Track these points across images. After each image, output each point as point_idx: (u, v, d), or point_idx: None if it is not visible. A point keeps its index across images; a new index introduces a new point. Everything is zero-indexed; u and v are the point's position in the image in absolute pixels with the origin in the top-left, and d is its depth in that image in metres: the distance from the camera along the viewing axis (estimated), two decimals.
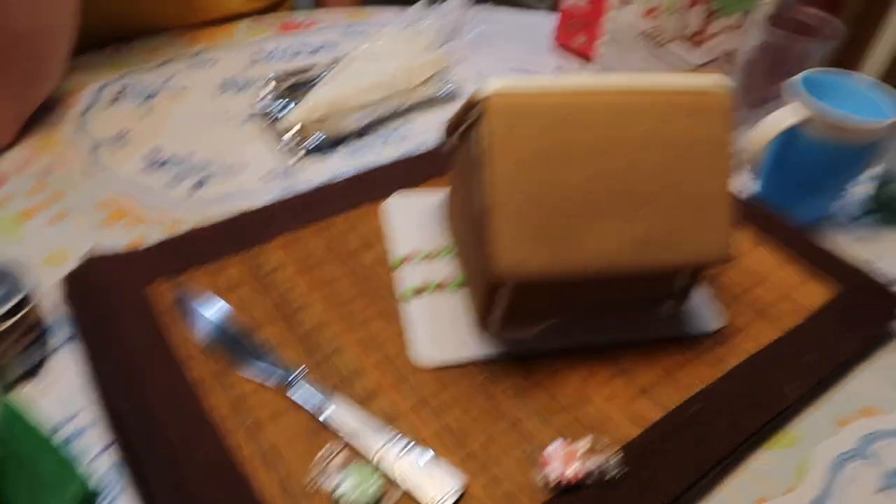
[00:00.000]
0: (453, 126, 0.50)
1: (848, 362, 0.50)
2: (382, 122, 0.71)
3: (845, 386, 0.50)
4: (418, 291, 0.51)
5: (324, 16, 0.89)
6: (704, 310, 0.52)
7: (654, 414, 0.45)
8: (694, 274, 0.48)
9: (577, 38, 0.81)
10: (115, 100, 0.71)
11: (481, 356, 0.47)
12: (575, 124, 0.42)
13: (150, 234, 0.56)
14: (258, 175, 0.63)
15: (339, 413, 0.43)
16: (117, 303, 0.48)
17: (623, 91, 0.43)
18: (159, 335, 0.47)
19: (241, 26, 0.86)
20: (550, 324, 0.48)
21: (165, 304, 0.49)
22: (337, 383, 0.45)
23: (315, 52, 0.82)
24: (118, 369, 0.44)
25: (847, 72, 0.59)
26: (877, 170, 0.64)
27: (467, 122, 0.47)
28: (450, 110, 0.75)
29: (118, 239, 0.55)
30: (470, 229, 0.49)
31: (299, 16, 0.89)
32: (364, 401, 0.44)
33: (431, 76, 0.75)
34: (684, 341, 0.50)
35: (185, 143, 0.66)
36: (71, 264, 0.50)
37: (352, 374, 0.46)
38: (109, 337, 0.46)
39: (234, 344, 0.47)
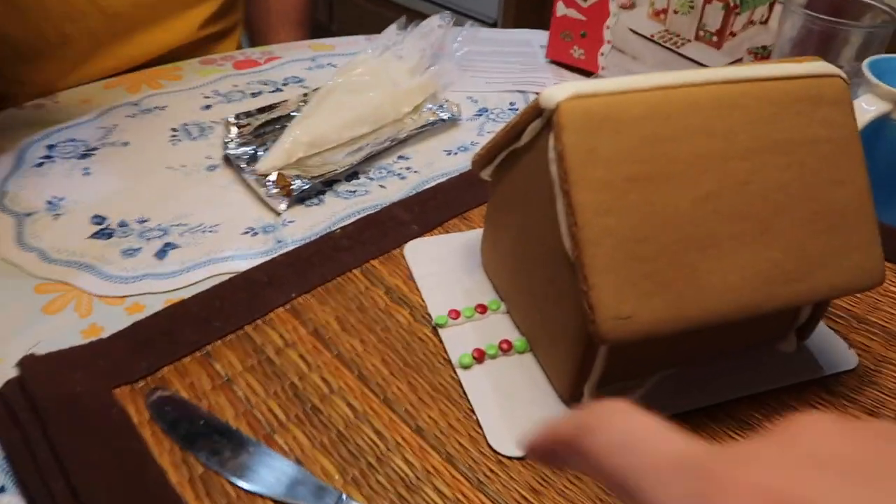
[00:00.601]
0: (491, 153, 0.40)
1: None
2: (374, 159, 0.60)
3: None
4: (476, 358, 0.40)
5: (282, 50, 0.79)
6: (830, 341, 0.43)
7: None
8: (821, 302, 0.39)
9: (573, 50, 0.73)
10: (41, 164, 0.58)
11: None
12: (672, 132, 0.33)
13: (106, 320, 0.43)
14: (236, 232, 0.51)
15: None
16: (72, 420, 0.35)
17: (721, 84, 0.34)
18: (141, 460, 0.34)
19: (188, 67, 0.74)
20: (655, 382, 0.38)
21: (141, 416, 0.36)
22: (394, 499, 0.34)
23: (278, 90, 0.71)
24: None
25: None
26: None
27: (516, 143, 0.37)
28: (452, 138, 0.67)
29: (65, 331, 0.42)
30: (535, 278, 0.39)
31: (254, 52, 0.79)
32: None
33: (421, 103, 0.65)
34: (818, 385, 0.40)
35: (136, 204, 0.54)
36: (5, 370, 0.37)
37: (415, 485, 0.34)
38: (66, 468, 0.33)
39: (245, 461, 0.34)
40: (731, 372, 0.40)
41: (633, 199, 0.32)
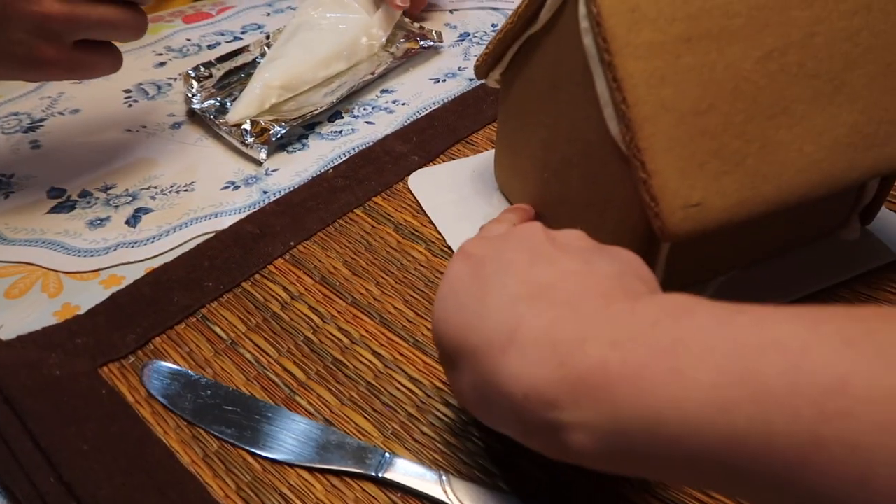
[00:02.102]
0: (498, 50, 0.35)
1: None
2: (355, 96, 0.54)
3: None
4: None
5: (235, 0, 0.72)
6: (893, 223, 0.38)
7: None
8: (888, 177, 0.34)
9: None
10: None
11: None
12: None
13: (81, 297, 0.38)
14: (215, 188, 0.46)
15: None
16: (55, 408, 0.30)
17: None
18: (143, 443, 0.29)
19: None
20: (718, 286, 0.33)
21: (137, 394, 0.31)
22: (443, 449, 0.29)
23: (237, 39, 0.64)
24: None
25: None
26: None
27: (531, 28, 0.32)
28: (437, 66, 0.60)
29: (35, 315, 0.37)
30: (572, 184, 0.34)
31: (203, 5, 0.72)
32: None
33: (397, 33, 0.59)
34: (890, 270, 0.36)
35: (98, 172, 0.48)
36: None
37: (462, 430, 0.30)
38: (54, 462, 0.28)
39: (266, 429, 0.29)
40: (796, 268, 0.35)
41: (688, 63, 0.27)
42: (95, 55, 0.40)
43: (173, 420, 0.30)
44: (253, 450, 0.29)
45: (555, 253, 0.24)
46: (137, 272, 0.39)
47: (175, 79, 0.58)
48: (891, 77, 0.30)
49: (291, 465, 0.28)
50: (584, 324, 0.21)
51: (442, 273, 0.37)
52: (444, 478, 0.27)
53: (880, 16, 0.30)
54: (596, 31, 0.27)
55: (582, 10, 0.28)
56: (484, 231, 0.31)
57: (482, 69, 0.37)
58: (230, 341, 0.34)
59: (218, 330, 0.34)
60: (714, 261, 0.34)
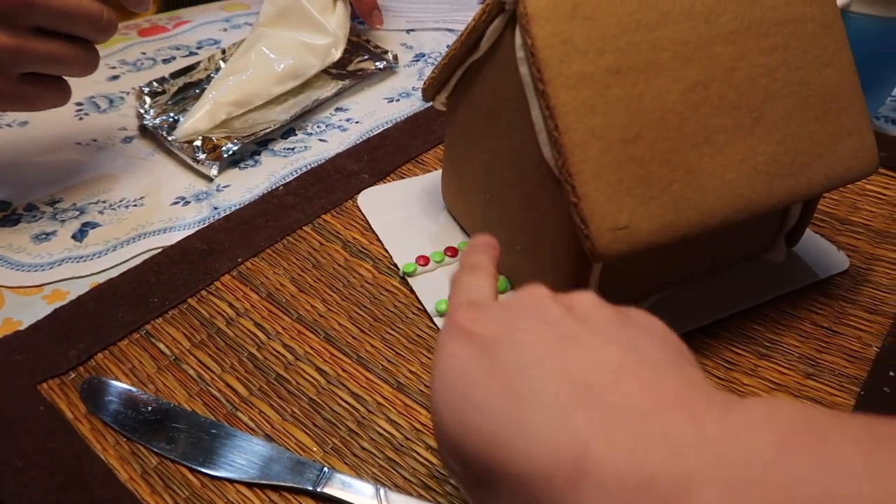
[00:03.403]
0: (443, 74, 0.36)
1: None
2: (309, 114, 0.55)
3: None
4: None
5: (192, 14, 0.72)
6: (819, 245, 0.41)
7: (844, 399, 0.33)
8: (810, 202, 0.37)
9: None
10: None
11: None
12: (650, 17, 0.29)
13: (23, 312, 0.37)
14: (165, 203, 0.46)
15: None
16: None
17: None
18: (81, 460, 0.29)
19: None
20: (648, 307, 0.35)
21: (77, 411, 0.31)
22: (383, 464, 0.30)
23: (192, 53, 0.65)
24: None
25: None
26: None
27: (474, 55, 0.33)
28: (391, 85, 0.61)
29: None
30: (511, 206, 0.35)
31: (160, 18, 0.72)
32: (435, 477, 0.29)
33: (355, 51, 0.60)
34: (813, 290, 0.38)
35: (45, 185, 0.47)
36: None
37: (404, 445, 0.30)
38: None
39: (207, 445, 0.30)
40: (723, 288, 0.37)
41: (617, 93, 0.28)
42: (42, 88, 0.39)
43: (112, 436, 0.30)
44: (192, 466, 0.29)
45: (581, 331, 0.20)
46: (83, 287, 0.39)
47: (128, 92, 0.58)
48: (806, 110, 0.32)
49: (231, 481, 0.29)
50: (679, 453, 0.16)
51: (388, 291, 0.38)
52: (381, 492, 0.28)
53: (797, 53, 0.32)
54: (530, 60, 0.28)
55: (518, 40, 0.29)
56: (463, 289, 0.25)
57: (429, 92, 0.38)
58: (174, 357, 0.34)
59: (162, 346, 0.34)
60: (646, 281, 0.35)
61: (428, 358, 0.34)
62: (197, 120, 0.51)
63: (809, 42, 0.32)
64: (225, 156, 0.48)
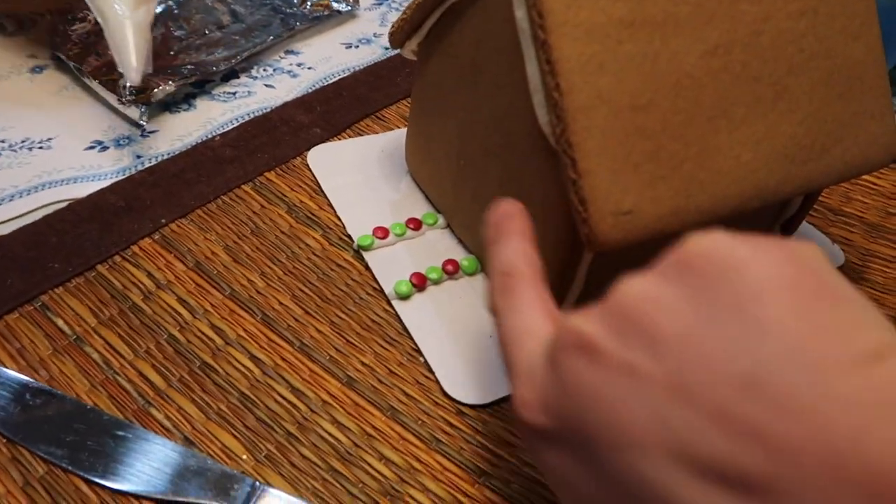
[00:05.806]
0: (417, 16, 0.31)
1: None
2: (255, 56, 0.48)
3: None
4: (416, 285, 0.31)
5: None
6: (813, 237, 0.37)
7: None
8: (813, 193, 0.33)
9: None
10: None
11: None
12: None
13: None
14: (78, 148, 0.39)
15: None
16: None
17: None
18: None
19: None
20: None
21: None
22: (326, 477, 0.25)
23: None
24: None
25: None
26: None
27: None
28: (350, 30, 0.53)
29: None
30: (489, 178, 0.30)
31: None
32: (390, 492, 0.25)
33: None
34: None
35: None
36: None
37: (352, 454, 0.26)
38: None
39: (109, 450, 0.24)
40: None
41: (629, 50, 0.23)
42: None
43: None
44: (90, 476, 0.24)
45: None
46: None
47: (42, 14, 0.50)
48: (831, 86, 0.28)
49: (137, 497, 0.23)
50: None
51: (339, 267, 0.32)
52: None
53: (826, 20, 0.28)
54: (530, 2, 0.23)
55: None
56: (514, 338, 0.20)
57: (397, 37, 0.33)
58: (75, 337, 0.28)
59: (60, 322, 0.28)
60: (636, 268, 0.31)
61: (384, 348, 0.29)
62: (136, 56, 0.43)
63: (840, 8, 0.28)
64: (154, 100, 0.41)
